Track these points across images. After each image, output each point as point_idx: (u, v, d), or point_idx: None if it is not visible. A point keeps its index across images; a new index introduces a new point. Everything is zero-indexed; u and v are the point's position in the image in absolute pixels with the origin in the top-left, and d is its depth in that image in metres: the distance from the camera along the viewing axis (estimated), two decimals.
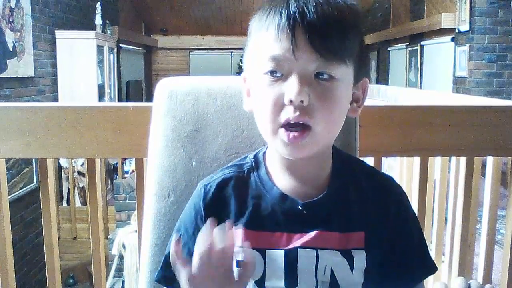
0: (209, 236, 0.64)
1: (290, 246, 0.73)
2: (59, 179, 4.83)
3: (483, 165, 1.60)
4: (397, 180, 0.86)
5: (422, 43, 6.04)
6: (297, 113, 0.67)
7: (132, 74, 8.04)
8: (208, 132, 0.95)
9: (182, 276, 0.65)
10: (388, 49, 7.33)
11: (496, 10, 4.62)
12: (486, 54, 4.68)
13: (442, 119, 1.33)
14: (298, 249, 0.72)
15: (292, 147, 0.70)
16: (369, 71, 8.07)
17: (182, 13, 8.58)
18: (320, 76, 0.68)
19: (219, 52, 9.32)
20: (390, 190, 0.80)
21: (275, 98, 0.69)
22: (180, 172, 0.94)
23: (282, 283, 0.72)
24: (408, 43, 6.51)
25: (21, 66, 4.34)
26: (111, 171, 5.46)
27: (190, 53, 9.53)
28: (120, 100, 6.67)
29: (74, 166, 4.80)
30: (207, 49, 9.37)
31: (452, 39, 5.18)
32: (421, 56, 6.10)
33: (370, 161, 1.34)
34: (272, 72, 0.69)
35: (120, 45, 6.91)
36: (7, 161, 3.21)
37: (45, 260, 1.39)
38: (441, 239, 1.88)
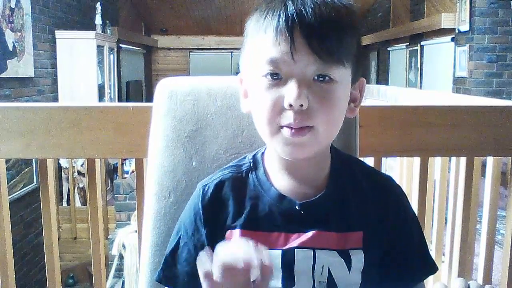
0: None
1: (287, 246, 0.72)
2: (59, 179, 4.84)
3: (483, 165, 1.60)
4: (397, 180, 0.86)
5: (422, 43, 6.04)
6: (298, 119, 0.67)
7: (132, 74, 8.04)
8: (208, 132, 0.95)
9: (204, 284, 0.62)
10: (388, 49, 7.32)
11: (496, 10, 4.62)
12: (486, 54, 4.68)
13: (442, 119, 1.33)
14: (295, 249, 0.72)
15: (292, 146, 0.70)
16: (368, 71, 8.08)
17: (182, 13, 8.58)
18: (319, 79, 0.68)
19: (219, 52, 9.32)
20: (390, 190, 0.79)
21: (274, 100, 0.68)
22: (180, 172, 0.94)
23: (279, 283, 0.72)
24: (408, 43, 6.51)
25: (21, 66, 4.34)
26: (111, 171, 5.46)
27: (190, 53, 9.52)
28: (120, 100, 6.66)
29: (74, 166, 4.80)
30: (207, 49, 9.36)
31: (452, 39, 5.18)
32: (421, 56, 6.10)
33: (370, 161, 1.34)
34: (270, 75, 0.69)
35: (120, 45, 6.91)
36: (7, 161, 3.21)
37: (45, 260, 1.40)
38: (441, 239, 1.88)
